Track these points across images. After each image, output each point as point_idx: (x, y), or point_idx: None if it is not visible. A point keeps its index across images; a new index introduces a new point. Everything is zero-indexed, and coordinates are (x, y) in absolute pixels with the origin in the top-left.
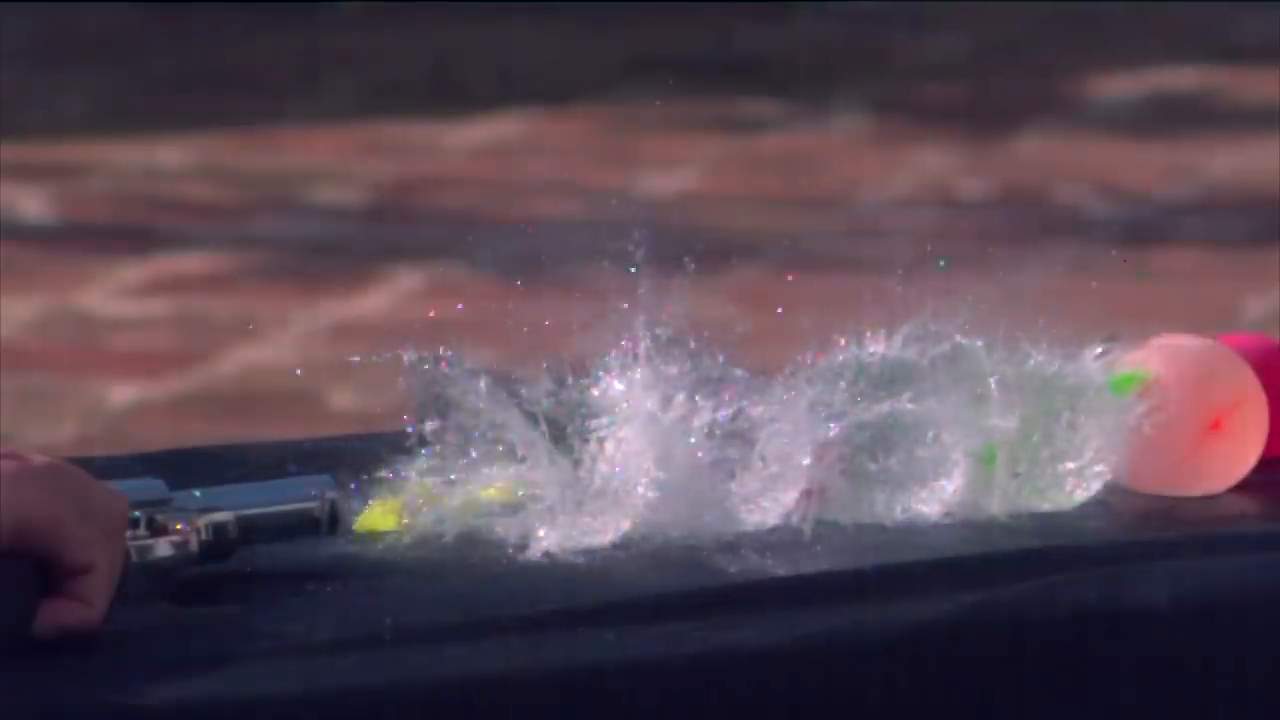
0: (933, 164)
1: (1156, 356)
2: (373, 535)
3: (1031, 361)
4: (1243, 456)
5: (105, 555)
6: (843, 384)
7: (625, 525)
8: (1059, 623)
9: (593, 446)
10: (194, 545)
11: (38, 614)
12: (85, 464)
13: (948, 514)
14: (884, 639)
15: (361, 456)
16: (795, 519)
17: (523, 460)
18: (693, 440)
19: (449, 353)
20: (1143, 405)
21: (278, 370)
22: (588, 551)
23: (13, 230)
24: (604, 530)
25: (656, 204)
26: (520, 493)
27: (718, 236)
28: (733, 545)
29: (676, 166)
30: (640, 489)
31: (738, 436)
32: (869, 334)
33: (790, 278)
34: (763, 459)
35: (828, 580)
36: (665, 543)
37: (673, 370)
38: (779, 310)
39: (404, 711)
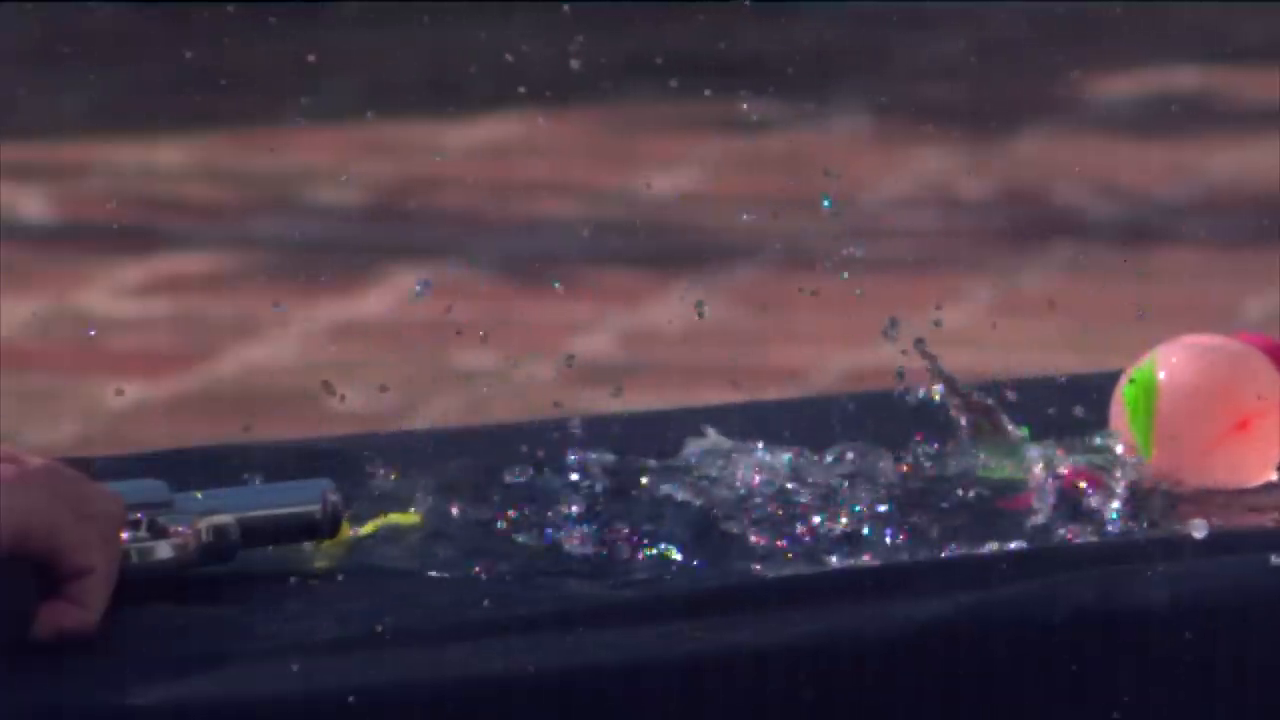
0: (933, 164)
1: (1184, 354)
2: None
3: None
4: (1265, 460)
5: (103, 558)
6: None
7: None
8: (1059, 623)
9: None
10: (195, 548)
11: (36, 617)
12: (84, 464)
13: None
14: (884, 639)
15: (361, 458)
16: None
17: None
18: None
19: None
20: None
21: (278, 370)
22: (587, 552)
23: (13, 230)
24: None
25: (656, 204)
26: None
27: (718, 236)
28: (732, 545)
29: (676, 166)
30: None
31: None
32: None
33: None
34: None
35: (827, 580)
36: (666, 545)
37: None
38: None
39: (404, 711)
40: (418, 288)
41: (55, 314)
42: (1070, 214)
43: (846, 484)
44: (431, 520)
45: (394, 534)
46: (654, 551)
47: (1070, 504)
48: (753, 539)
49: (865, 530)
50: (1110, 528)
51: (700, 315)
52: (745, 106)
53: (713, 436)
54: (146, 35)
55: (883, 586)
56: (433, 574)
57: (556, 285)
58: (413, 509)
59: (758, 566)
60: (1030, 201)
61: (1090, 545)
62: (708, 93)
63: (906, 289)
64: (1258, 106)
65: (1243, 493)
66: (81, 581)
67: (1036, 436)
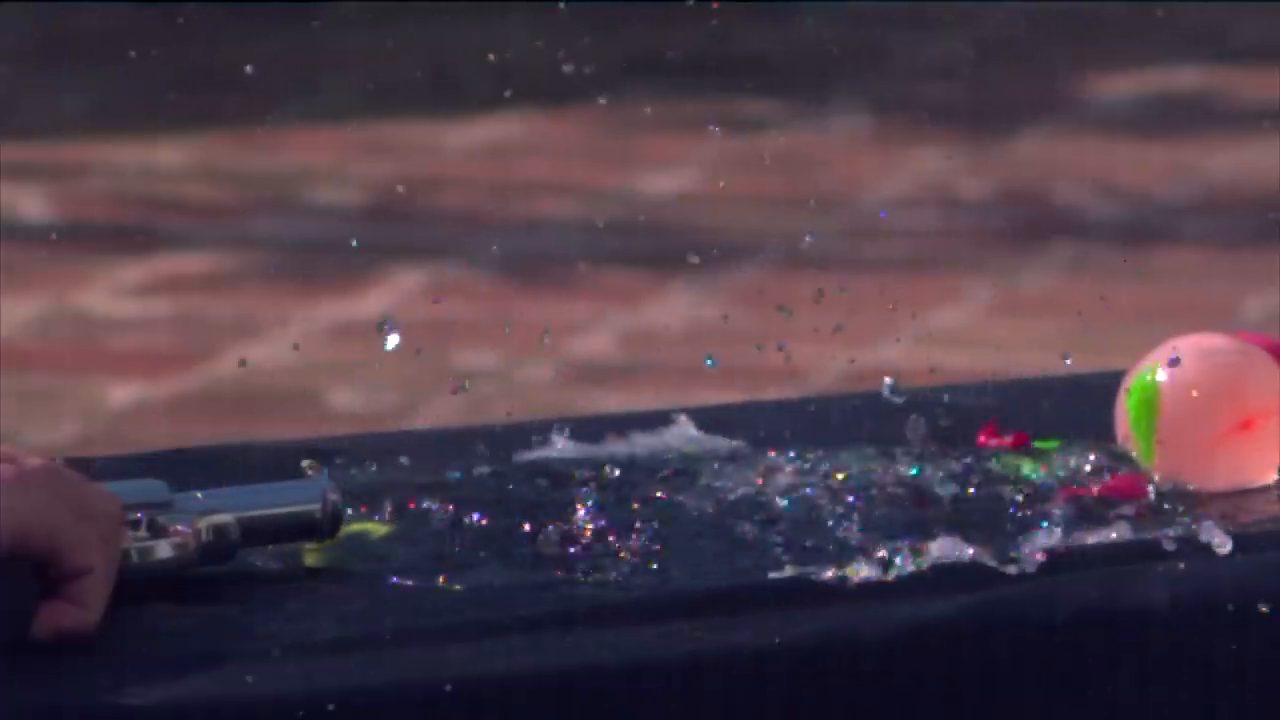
0: (933, 164)
1: (1186, 355)
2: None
3: None
4: (1267, 460)
5: (102, 558)
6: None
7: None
8: (1059, 623)
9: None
10: (195, 547)
11: (36, 617)
12: (84, 464)
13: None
14: (884, 639)
15: (360, 457)
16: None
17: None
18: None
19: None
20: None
21: (278, 370)
22: (586, 552)
23: (13, 230)
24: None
25: (656, 204)
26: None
27: (718, 236)
28: (733, 547)
29: (676, 166)
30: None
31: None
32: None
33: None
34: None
35: (826, 581)
36: (665, 545)
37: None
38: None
39: (404, 711)
40: (382, 327)
41: (55, 314)
42: (1070, 214)
43: (847, 484)
44: (427, 522)
45: (362, 541)
46: (653, 551)
47: (1080, 508)
48: (752, 539)
49: (866, 531)
50: (1115, 530)
51: (710, 363)
52: (722, 112)
53: (690, 429)
54: (146, 35)
55: (883, 586)
56: (432, 576)
57: (548, 333)
58: (381, 519)
59: (758, 567)
60: (1030, 201)
61: (1090, 545)
62: (708, 93)
63: (907, 289)
64: (1258, 106)
65: (1245, 493)
66: (81, 581)
67: (1038, 436)
